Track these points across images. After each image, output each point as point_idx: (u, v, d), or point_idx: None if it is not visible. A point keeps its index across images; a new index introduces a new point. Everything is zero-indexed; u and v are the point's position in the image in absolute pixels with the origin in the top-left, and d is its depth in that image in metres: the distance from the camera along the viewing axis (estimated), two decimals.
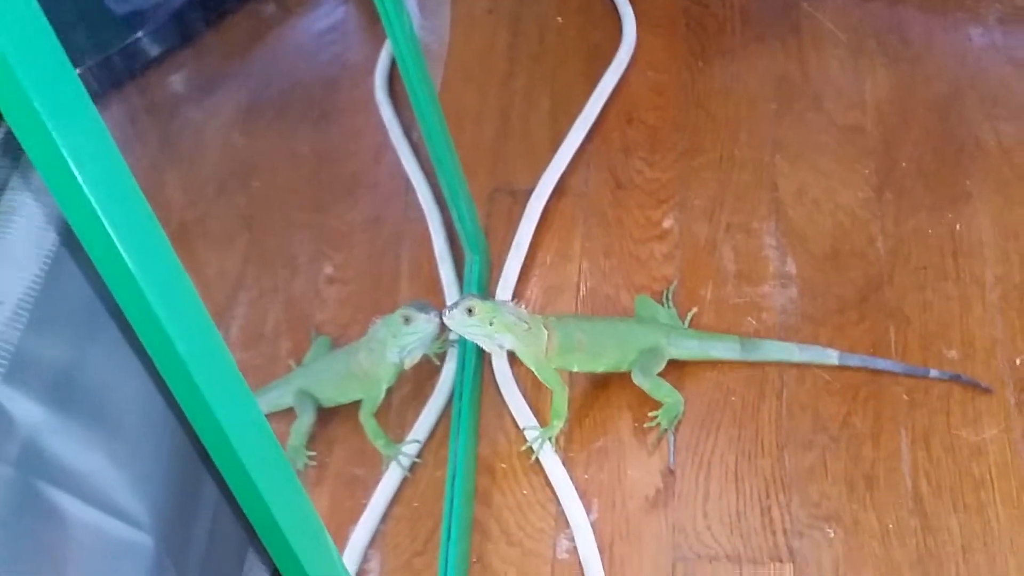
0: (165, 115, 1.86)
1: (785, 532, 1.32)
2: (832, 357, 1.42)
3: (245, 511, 0.82)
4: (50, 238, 1.07)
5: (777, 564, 1.30)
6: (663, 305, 1.50)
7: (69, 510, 0.97)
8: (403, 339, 1.38)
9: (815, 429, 1.39)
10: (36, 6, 0.60)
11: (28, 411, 0.98)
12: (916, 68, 1.75)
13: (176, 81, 1.93)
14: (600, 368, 1.42)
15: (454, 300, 1.39)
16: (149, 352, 0.71)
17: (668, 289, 1.52)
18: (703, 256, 1.57)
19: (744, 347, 1.44)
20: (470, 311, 1.33)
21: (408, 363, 1.41)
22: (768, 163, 1.66)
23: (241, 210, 1.74)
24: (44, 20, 0.61)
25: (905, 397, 1.40)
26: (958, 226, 1.55)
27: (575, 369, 1.42)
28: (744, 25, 1.84)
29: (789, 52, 1.79)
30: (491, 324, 1.34)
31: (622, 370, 1.43)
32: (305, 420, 1.43)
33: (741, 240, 1.58)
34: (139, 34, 1.85)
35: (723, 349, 1.44)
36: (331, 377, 1.45)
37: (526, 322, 1.36)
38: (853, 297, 1.50)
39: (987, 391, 1.38)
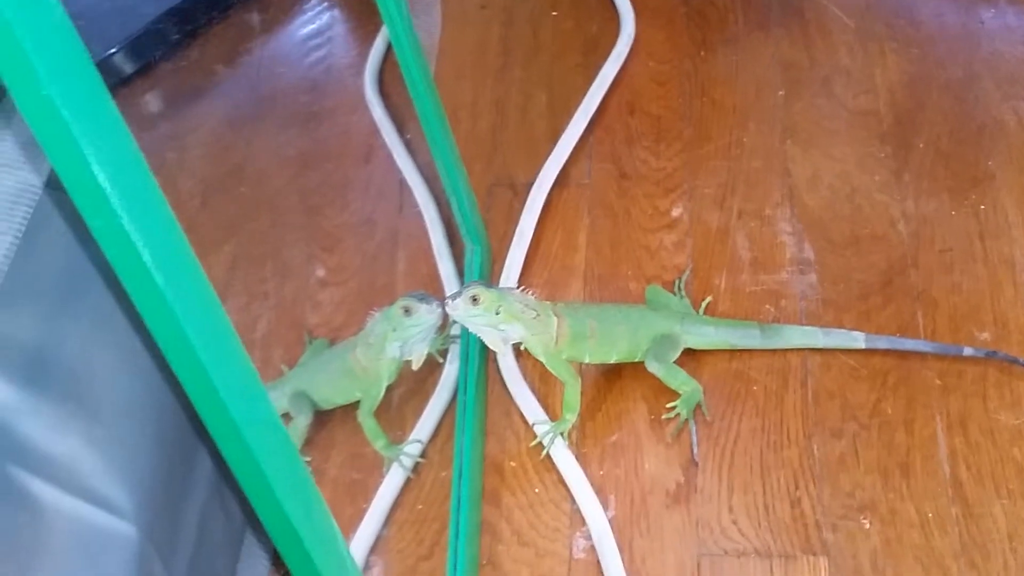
0: (144, 129, 1.79)
1: (817, 524, 1.23)
2: (859, 340, 1.34)
3: (247, 493, 0.74)
4: (20, 211, 0.99)
5: (810, 557, 1.21)
6: (675, 294, 1.42)
7: (43, 497, 0.88)
8: (404, 332, 1.29)
9: (844, 417, 1.31)
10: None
11: None
12: (928, 51, 1.68)
13: (156, 95, 1.86)
14: (613, 358, 1.34)
15: (456, 290, 1.30)
16: (159, 341, 0.66)
17: (680, 278, 1.44)
18: (716, 244, 1.49)
19: (764, 333, 1.35)
20: (475, 299, 1.24)
21: (415, 361, 1.32)
22: (779, 149, 1.58)
23: (228, 217, 1.66)
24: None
25: (938, 381, 1.32)
26: (983, 206, 1.48)
27: (587, 360, 1.34)
28: (746, 13, 1.77)
29: (795, 39, 1.73)
30: (497, 313, 1.25)
31: (636, 360, 1.34)
32: (301, 422, 1.34)
33: (755, 227, 1.50)
34: (112, 51, 1.79)
35: (742, 336, 1.36)
36: (327, 376, 1.36)
37: (534, 310, 1.27)
38: (876, 281, 1.43)
39: None
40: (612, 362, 1.35)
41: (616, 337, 1.32)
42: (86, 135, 0.57)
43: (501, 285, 1.44)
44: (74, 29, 0.57)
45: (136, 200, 0.60)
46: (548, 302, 1.31)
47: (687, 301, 1.41)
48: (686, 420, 1.31)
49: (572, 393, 1.30)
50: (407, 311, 1.28)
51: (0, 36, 0.52)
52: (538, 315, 1.27)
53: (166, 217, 0.63)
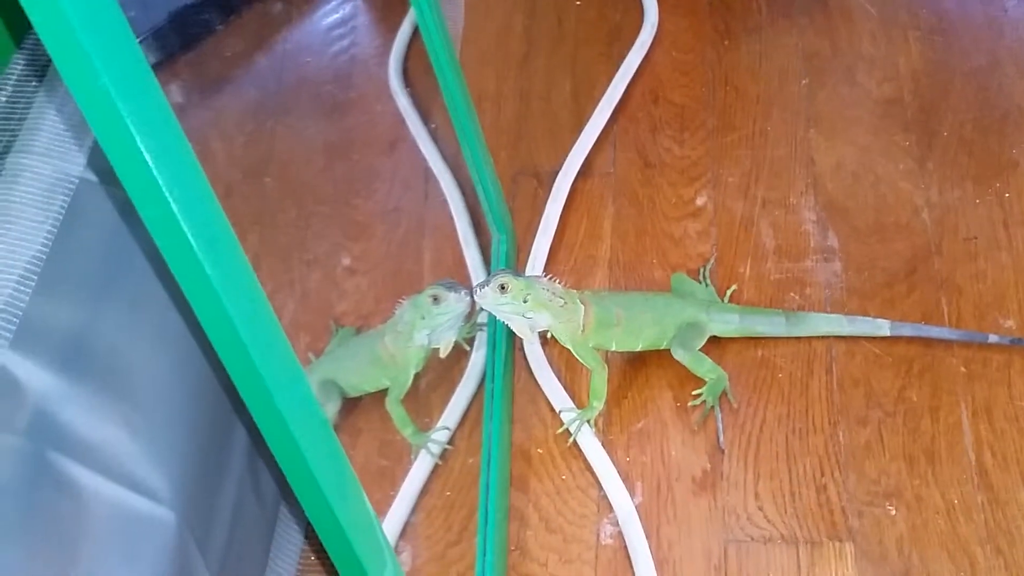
0: None
1: (843, 511, 1.24)
2: (883, 328, 1.34)
3: (285, 472, 0.75)
4: (58, 200, 1.00)
5: (836, 544, 1.22)
6: (700, 282, 1.43)
7: (83, 482, 0.90)
8: (433, 320, 1.30)
9: (869, 404, 1.32)
10: None
11: (38, 378, 0.90)
12: (951, 40, 1.69)
13: (179, 86, 1.87)
14: (639, 345, 1.35)
15: (484, 279, 1.32)
16: (205, 327, 0.67)
17: (705, 266, 1.45)
18: (740, 233, 1.50)
19: (789, 321, 1.36)
20: (503, 288, 1.25)
21: (443, 348, 1.33)
22: (803, 138, 1.59)
23: (253, 207, 1.67)
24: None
25: (963, 369, 1.33)
26: (1007, 194, 1.49)
27: (613, 347, 1.35)
28: (770, 2, 1.78)
29: (818, 28, 1.73)
30: (525, 301, 1.26)
31: (662, 347, 1.35)
32: (329, 410, 1.35)
33: (779, 216, 1.51)
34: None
35: (767, 324, 1.37)
36: (355, 364, 1.37)
37: (562, 297, 1.29)
38: (901, 269, 1.43)
39: None
40: (638, 350, 1.36)
41: (642, 325, 1.33)
42: (138, 125, 0.59)
43: (527, 273, 1.45)
44: (126, 21, 0.59)
45: (186, 191, 0.62)
46: (575, 290, 1.32)
47: (712, 289, 1.42)
48: (712, 407, 1.32)
49: (599, 380, 1.31)
50: (436, 300, 1.29)
51: (61, 32, 0.54)
52: (565, 303, 1.29)
53: (214, 207, 0.65)
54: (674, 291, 1.41)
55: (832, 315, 1.36)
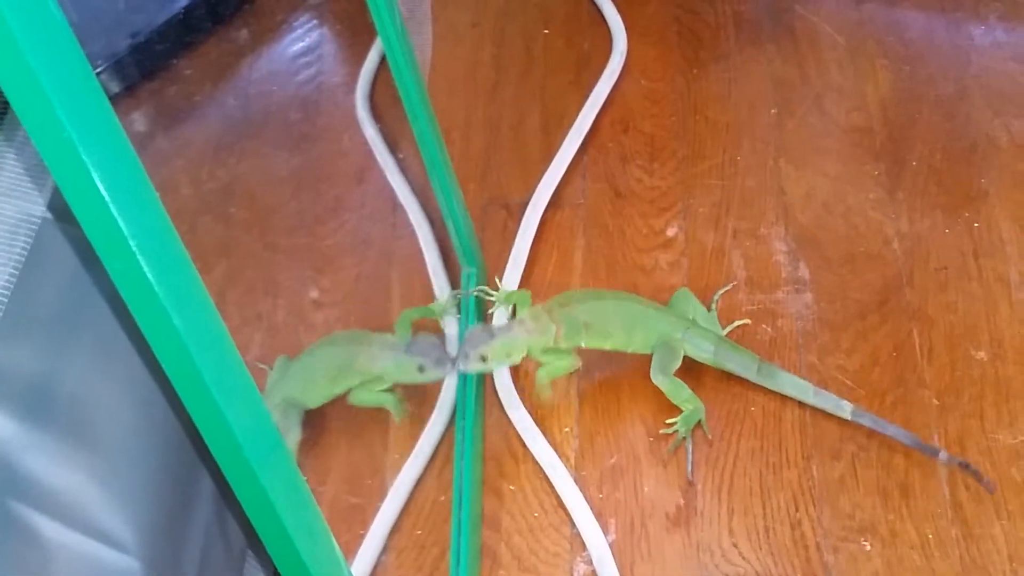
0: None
1: (818, 547, 1.23)
2: (845, 411, 1.30)
3: (252, 520, 0.73)
4: (20, 241, 0.98)
5: None
6: (709, 309, 1.41)
7: (46, 532, 0.87)
8: (410, 380, 1.33)
9: (842, 438, 1.31)
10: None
11: None
12: (918, 68, 1.69)
13: (142, 115, 1.85)
14: (608, 345, 1.35)
15: (461, 347, 1.33)
16: (171, 377, 0.65)
17: (717, 293, 1.43)
18: (711, 263, 1.49)
19: (760, 371, 1.33)
20: (483, 359, 1.30)
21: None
22: (773, 167, 1.59)
23: (218, 239, 1.65)
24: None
25: (935, 401, 1.33)
26: (976, 224, 1.48)
27: (583, 345, 1.35)
28: (738, 31, 1.77)
29: (786, 56, 1.73)
30: (509, 356, 1.32)
31: (629, 351, 1.36)
32: (291, 440, 1.33)
33: (750, 246, 1.50)
34: (98, 70, 1.77)
35: (738, 364, 1.34)
36: (328, 366, 1.36)
37: (535, 326, 1.32)
38: (872, 300, 1.43)
39: (989, 488, 1.25)
40: (608, 348, 1.36)
41: (609, 331, 1.34)
42: (104, 179, 0.57)
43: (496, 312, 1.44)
44: (90, 68, 0.57)
45: (152, 242, 0.61)
46: (541, 306, 1.34)
47: (714, 315, 1.41)
48: (684, 438, 1.31)
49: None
50: (422, 369, 1.31)
51: (26, 82, 0.52)
52: (539, 328, 1.32)
53: (181, 256, 0.64)
54: (671, 305, 1.39)
55: (801, 381, 1.32)
